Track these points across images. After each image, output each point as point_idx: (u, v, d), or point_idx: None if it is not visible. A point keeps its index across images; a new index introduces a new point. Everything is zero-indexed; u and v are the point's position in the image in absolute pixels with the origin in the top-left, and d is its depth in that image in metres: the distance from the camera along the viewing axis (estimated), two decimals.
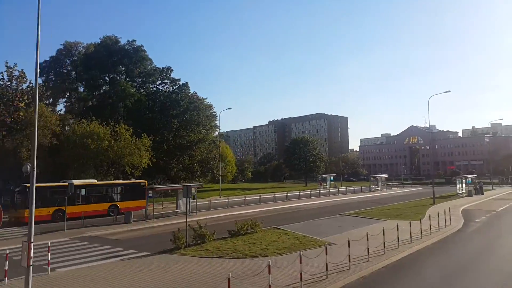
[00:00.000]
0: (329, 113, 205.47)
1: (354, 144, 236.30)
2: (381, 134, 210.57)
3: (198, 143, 54.08)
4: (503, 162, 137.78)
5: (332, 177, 71.72)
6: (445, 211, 25.33)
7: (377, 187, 60.21)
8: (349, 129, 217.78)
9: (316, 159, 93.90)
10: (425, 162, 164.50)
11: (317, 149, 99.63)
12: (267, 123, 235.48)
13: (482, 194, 49.49)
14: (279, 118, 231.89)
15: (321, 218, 28.29)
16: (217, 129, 75.01)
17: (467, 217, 28.25)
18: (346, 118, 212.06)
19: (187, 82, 56.73)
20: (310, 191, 55.17)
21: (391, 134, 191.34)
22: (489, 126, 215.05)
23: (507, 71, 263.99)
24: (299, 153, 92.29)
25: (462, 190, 49.15)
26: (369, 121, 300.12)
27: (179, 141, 51.66)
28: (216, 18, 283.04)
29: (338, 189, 60.04)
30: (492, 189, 59.58)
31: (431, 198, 42.26)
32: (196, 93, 59.22)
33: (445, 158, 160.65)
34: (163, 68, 55.58)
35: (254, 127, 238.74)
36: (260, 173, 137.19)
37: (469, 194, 47.45)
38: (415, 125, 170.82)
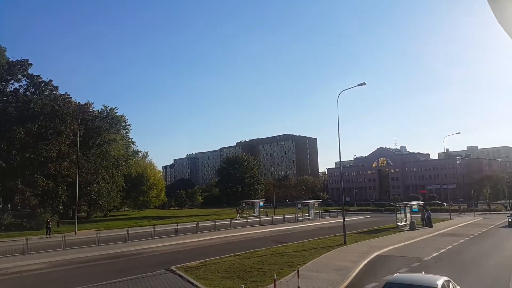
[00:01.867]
0: (297, 134, 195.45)
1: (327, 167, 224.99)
2: (354, 156, 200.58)
3: (59, 158, 40.63)
4: (475, 186, 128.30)
5: (262, 203, 60.01)
6: (337, 263, 13.57)
7: (308, 215, 48.43)
8: (320, 151, 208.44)
9: (254, 181, 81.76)
10: (395, 186, 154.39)
11: (255, 170, 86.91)
12: (235, 144, 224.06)
13: (431, 226, 38.21)
14: (247, 139, 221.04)
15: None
16: (132, 144, 62.21)
17: (363, 276, 16.60)
18: (315, 139, 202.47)
19: (50, 80, 44.03)
20: (231, 220, 43.05)
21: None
22: (466, 149, 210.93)
23: (483, 97, 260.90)
24: (233, 174, 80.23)
25: (405, 221, 37.90)
26: (344, 144, 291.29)
27: (30, 156, 38.39)
28: (188, 35, 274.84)
29: (272, 217, 48.67)
30: (450, 219, 48.52)
31: (358, 231, 31.03)
32: (69, 94, 45.76)
33: (415, 182, 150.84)
34: (17, 61, 42.30)
35: (221, 149, 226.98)
36: (215, 197, 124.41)
37: (411, 227, 36.11)
38: (384, 146, 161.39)
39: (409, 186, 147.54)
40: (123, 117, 62.55)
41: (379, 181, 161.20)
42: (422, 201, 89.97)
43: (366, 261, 19.69)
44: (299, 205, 49.07)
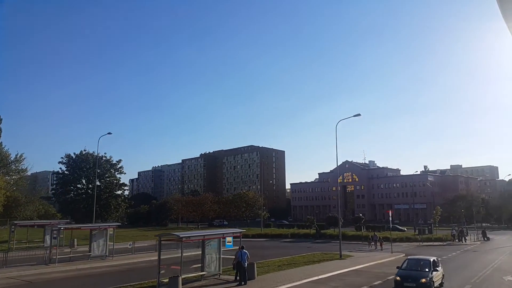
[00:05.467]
0: (262, 146, 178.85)
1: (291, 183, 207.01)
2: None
3: None
4: (447, 207, 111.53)
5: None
6: None
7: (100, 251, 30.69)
8: (289, 165, 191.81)
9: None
10: (360, 205, 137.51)
11: (115, 177, 64.60)
12: (199, 156, 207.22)
13: (244, 282, 21.33)
14: (211, 151, 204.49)
15: None
16: None
17: None
18: (283, 152, 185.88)
19: None
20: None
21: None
22: (449, 168, 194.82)
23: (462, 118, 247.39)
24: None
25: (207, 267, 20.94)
26: (321, 157, 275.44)
27: None
28: (144, 43, 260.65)
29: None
30: (348, 256, 31.93)
31: None
32: None
33: (382, 200, 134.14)
34: None
35: (183, 161, 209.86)
36: (140, 215, 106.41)
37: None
38: (350, 160, 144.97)
39: (375, 205, 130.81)
40: None
41: (344, 199, 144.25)
42: (361, 222, 73.74)
43: None
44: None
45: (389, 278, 21.72)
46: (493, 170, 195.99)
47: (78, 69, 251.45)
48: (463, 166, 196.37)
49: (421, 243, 44.87)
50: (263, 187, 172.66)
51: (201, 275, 20.74)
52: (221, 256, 21.87)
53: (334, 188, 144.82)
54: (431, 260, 18.75)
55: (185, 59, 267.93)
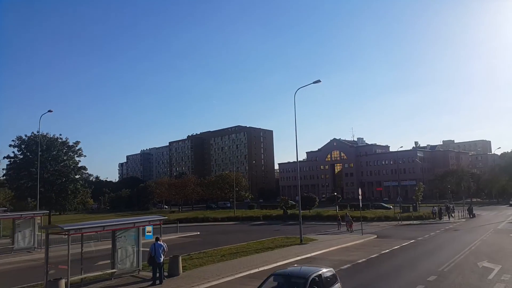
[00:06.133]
0: (250, 126, 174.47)
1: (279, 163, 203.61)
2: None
3: None
4: (437, 183, 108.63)
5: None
6: None
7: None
8: (278, 145, 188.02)
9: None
10: (349, 183, 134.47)
11: (72, 160, 58.94)
12: (186, 137, 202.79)
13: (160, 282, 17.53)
14: (198, 132, 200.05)
15: None
16: None
17: None
18: (271, 132, 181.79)
19: None
20: None
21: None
22: (441, 143, 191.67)
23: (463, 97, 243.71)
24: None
25: None
26: (309, 136, 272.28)
27: None
28: (127, 23, 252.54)
29: None
30: (311, 240, 28.37)
31: None
32: None
33: (371, 178, 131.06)
34: None
35: (170, 143, 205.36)
36: (122, 199, 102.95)
37: None
38: (338, 138, 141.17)
39: (365, 182, 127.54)
40: None
41: (333, 177, 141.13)
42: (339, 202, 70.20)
43: None
44: None
45: (342, 267, 18.07)
46: (486, 144, 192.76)
47: (61, 50, 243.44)
48: (455, 141, 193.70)
49: (399, 222, 41.37)
50: (252, 167, 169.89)
51: (111, 273, 16.90)
52: (141, 249, 18.04)
53: (322, 167, 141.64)
54: (312, 277, 9.90)
55: (170, 39, 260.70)
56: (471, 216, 45.89)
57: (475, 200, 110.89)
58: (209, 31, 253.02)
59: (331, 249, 24.26)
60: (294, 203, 66.77)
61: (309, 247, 24.76)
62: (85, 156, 58.70)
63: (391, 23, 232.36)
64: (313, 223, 44.29)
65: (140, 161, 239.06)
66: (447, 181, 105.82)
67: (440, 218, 44.90)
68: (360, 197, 31.91)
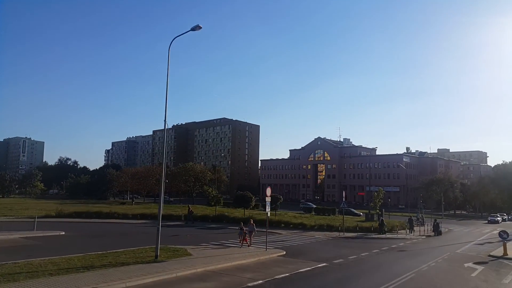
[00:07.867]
0: (235, 119, 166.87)
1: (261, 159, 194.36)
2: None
3: None
4: (422, 191, 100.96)
5: None
6: None
7: None
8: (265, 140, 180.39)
9: None
10: (330, 185, 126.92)
11: None
12: (171, 127, 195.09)
13: None
14: (183, 123, 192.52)
15: None
16: None
17: None
18: (258, 126, 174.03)
19: None
20: None
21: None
22: (436, 152, 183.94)
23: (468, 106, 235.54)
24: None
25: None
26: (298, 134, 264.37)
27: None
28: (116, 14, 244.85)
29: None
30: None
31: None
32: None
33: (353, 181, 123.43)
34: None
35: (154, 132, 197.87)
36: (80, 186, 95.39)
37: None
38: (323, 137, 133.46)
39: (347, 185, 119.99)
40: None
41: (315, 179, 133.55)
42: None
43: None
44: None
45: None
46: (482, 155, 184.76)
47: (55, 38, 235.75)
48: (450, 151, 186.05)
49: (339, 233, 33.75)
50: (234, 162, 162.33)
51: None
52: None
53: (304, 167, 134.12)
54: None
55: (158, 27, 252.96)
56: (436, 233, 38.32)
57: (459, 212, 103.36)
58: (202, 20, 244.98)
59: (188, 272, 16.54)
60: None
61: (159, 268, 16.87)
62: None
63: (398, 28, 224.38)
64: (221, 227, 36.99)
65: (125, 149, 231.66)
66: (432, 190, 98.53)
67: (411, 232, 38.01)
68: (268, 200, 24.28)
